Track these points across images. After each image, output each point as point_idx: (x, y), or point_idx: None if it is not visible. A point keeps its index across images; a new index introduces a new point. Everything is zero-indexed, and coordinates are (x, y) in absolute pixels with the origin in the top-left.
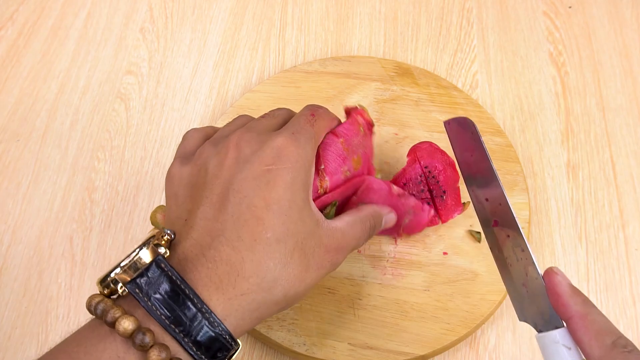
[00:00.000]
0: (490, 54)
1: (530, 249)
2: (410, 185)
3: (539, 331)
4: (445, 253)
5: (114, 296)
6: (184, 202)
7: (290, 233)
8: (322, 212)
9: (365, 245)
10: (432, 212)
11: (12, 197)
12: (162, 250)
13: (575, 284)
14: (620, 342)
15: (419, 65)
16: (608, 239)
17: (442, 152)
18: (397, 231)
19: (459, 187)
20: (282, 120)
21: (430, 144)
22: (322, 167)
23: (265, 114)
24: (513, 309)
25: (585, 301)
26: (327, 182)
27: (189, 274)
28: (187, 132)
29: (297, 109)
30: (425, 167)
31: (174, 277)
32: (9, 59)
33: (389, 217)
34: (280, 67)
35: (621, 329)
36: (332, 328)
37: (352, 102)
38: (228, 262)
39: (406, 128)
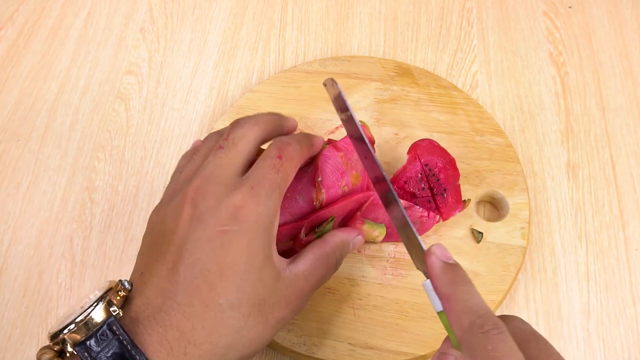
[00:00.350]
0: (490, 54)
1: (412, 227)
2: (411, 183)
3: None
4: None
5: (64, 353)
6: (144, 253)
7: (245, 297)
8: (317, 227)
9: (365, 245)
10: (438, 217)
11: (12, 197)
12: (114, 310)
13: (575, 284)
14: (477, 323)
15: (419, 65)
16: (608, 239)
17: (443, 150)
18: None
19: (459, 185)
20: (245, 153)
21: (430, 141)
22: (319, 179)
23: (225, 137)
24: (513, 309)
25: (453, 281)
26: (324, 195)
27: (140, 337)
28: (179, 162)
29: (297, 109)
30: (426, 165)
31: (124, 342)
32: (9, 59)
33: (357, 241)
34: (281, 67)
35: (621, 329)
36: (332, 328)
37: (352, 101)
38: (178, 328)
39: (406, 128)
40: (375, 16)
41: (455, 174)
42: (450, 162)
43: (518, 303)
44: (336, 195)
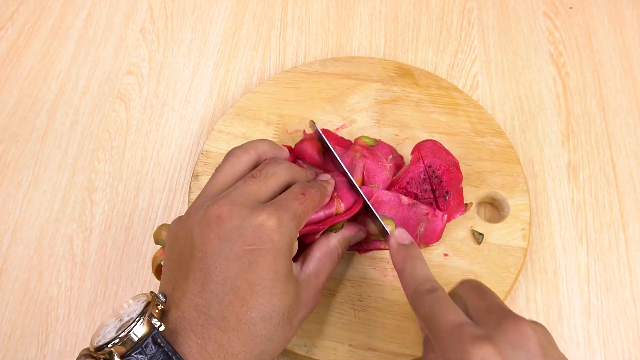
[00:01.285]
0: (491, 55)
1: (377, 215)
2: (414, 184)
3: None
4: (445, 254)
5: None
6: (172, 268)
7: (275, 309)
8: (329, 229)
9: (365, 246)
10: (446, 217)
11: (12, 198)
12: (157, 323)
13: (575, 284)
14: (417, 289)
15: (419, 66)
16: (608, 240)
17: (447, 152)
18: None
19: (462, 188)
20: (273, 188)
21: (434, 142)
22: (336, 193)
23: (259, 169)
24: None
25: (404, 258)
26: (342, 206)
27: (180, 348)
28: (220, 167)
29: (297, 109)
30: (429, 167)
31: (169, 353)
32: (9, 59)
33: (358, 236)
34: (281, 68)
35: (621, 329)
36: (333, 329)
37: (352, 102)
38: (216, 340)
39: (407, 129)
40: (376, 17)
41: (459, 176)
42: (453, 164)
43: (519, 304)
44: (350, 203)
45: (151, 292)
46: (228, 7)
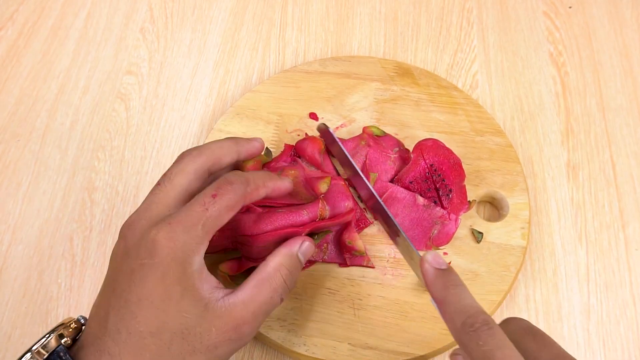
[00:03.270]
0: (491, 54)
1: (406, 238)
2: (416, 183)
3: None
4: (445, 253)
5: None
6: (103, 285)
7: (165, 326)
8: (312, 234)
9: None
10: (460, 221)
11: (12, 197)
12: (65, 340)
13: (575, 284)
14: (468, 322)
15: (419, 65)
16: (608, 239)
17: (448, 150)
18: (424, 243)
19: (464, 186)
20: (181, 188)
21: (434, 141)
22: (323, 195)
23: (168, 169)
24: (513, 309)
25: (445, 286)
26: (327, 210)
27: None
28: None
29: (297, 109)
30: (431, 165)
31: None
32: (9, 59)
33: (304, 248)
34: (281, 67)
35: (621, 329)
36: (332, 328)
37: (352, 101)
38: (109, 352)
39: (406, 128)
40: (376, 16)
41: (461, 174)
42: (455, 162)
43: (518, 303)
44: (340, 210)
45: (77, 317)
46: (228, 7)
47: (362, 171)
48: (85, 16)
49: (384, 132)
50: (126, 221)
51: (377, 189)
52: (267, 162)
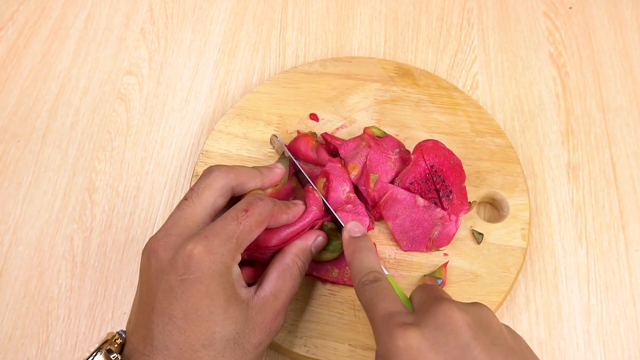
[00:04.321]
0: (491, 55)
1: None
2: (417, 184)
3: None
4: (445, 254)
5: None
6: (135, 302)
7: (216, 336)
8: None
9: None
10: (460, 222)
11: (12, 198)
12: (114, 356)
13: (575, 285)
14: (362, 279)
15: (419, 66)
16: (608, 240)
17: (448, 151)
18: (425, 244)
19: (465, 187)
20: (208, 203)
21: (435, 142)
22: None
23: (194, 184)
24: (513, 310)
25: (353, 250)
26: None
27: None
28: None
29: (297, 109)
30: (432, 166)
31: None
32: (9, 59)
33: (318, 242)
34: (281, 68)
35: (621, 330)
36: (333, 329)
37: (352, 102)
38: None
39: (406, 129)
40: (376, 17)
41: (462, 175)
42: (456, 163)
43: (518, 304)
44: (338, 197)
45: (117, 332)
46: (228, 7)
47: (362, 171)
48: (85, 16)
49: (385, 132)
50: (153, 237)
51: (377, 190)
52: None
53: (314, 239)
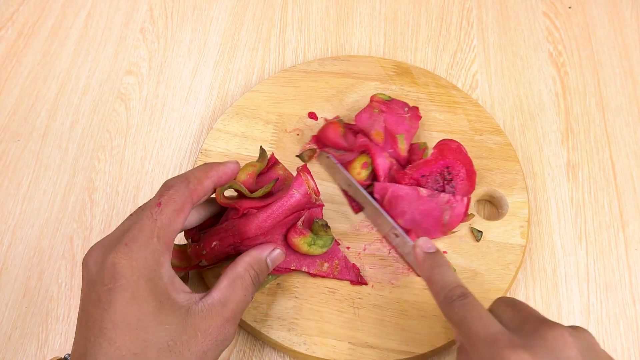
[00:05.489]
0: (490, 54)
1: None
2: (427, 179)
3: None
4: (445, 252)
5: None
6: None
7: (149, 343)
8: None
9: (365, 245)
10: (467, 201)
11: (12, 197)
12: None
13: (575, 284)
14: (448, 295)
15: (419, 65)
16: (608, 239)
17: (468, 159)
18: (440, 231)
19: (470, 198)
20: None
21: (459, 145)
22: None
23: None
24: None
25: (432, 266)
26: (312, 183)
27: None
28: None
29: (296, 108)
30: (447, 167)
31: None
32: (9, 59)
33: (274, 255)
34: (280, 67)
35: (621, 329)
36: (332, 327)
37: (351, 100)
38: None
39: None
40: (375, 16)
41: (471, 187)
42: (470, 172)
43: None
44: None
45: (64, 356)
46: (228, 7)
47: (385, 135)
48: (85, 16)
49: (390, 97)
50: (88, 252)
51: (378, 190)
52: (262, 170)
53: (270, 251)
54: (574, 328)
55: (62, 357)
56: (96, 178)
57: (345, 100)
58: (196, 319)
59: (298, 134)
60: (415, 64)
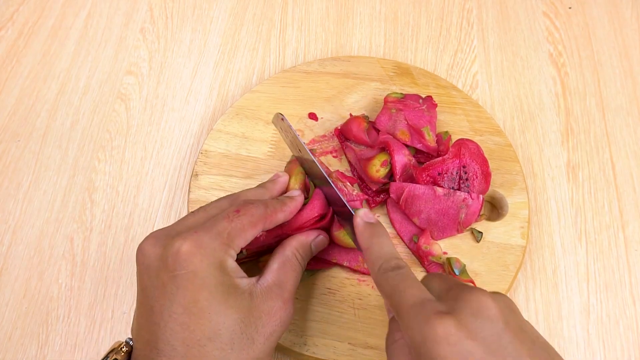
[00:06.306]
0: (491, 55)
1: (342, 197)
2: (444, 178)
3: None
4: (445, 252)
5: None
6: (137, 306)
7: (221, 327)
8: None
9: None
10: (482, 198)
11: (12, 198)
12: None
13: (575, 284)
14: (383, 266)
15: (419, 66)
16: (608, 240)
17: (485, 160)
18: (455, 229)
19: (483, 198)
20: (212, 214)
21: (477, 146)
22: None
23: (208, 204)
24: None
25: (372, 235)
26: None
27: None
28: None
29: (296, 109)
30: (463, 167)
31: None
32: (9, 59)
33: (318, 240)
34: (281, 68)
35: (621, 329)
36: (333, 328)
37: (351, 101)
38: None
39: None
40: (375, 17)
41: (485, 188)
42: (486, 174)
43: (518, 303)
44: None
45: (126, 340)
46: (228, 7)
47: (410, 132)
48: (85, 16)
49: (402, 93)
50: (142, 241)
51: (394, 190)
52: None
53: (315, 237)
54: (495, 293)
55: (124, 341)
56: (96, 178)
57: (346, 101)
58: (258, 301)
59: (298, 135)
60: (415, 64)
